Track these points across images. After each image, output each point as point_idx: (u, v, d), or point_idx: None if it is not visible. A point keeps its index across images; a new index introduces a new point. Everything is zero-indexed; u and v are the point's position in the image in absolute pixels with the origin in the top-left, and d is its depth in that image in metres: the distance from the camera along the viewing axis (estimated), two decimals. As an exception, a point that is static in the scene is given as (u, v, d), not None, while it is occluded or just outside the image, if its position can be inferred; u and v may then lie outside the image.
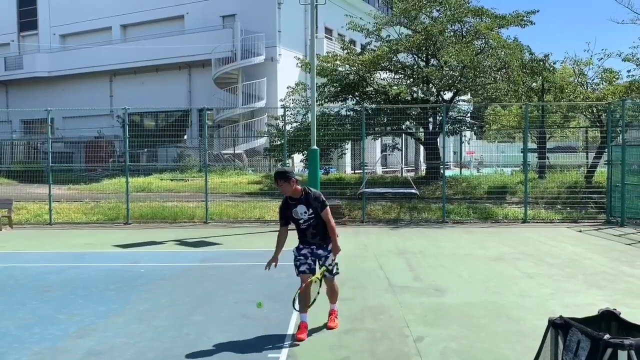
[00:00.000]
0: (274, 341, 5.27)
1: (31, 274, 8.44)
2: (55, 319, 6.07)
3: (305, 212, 5.43)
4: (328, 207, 5.50)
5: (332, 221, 5.50)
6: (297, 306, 5.28)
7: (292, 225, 5.60)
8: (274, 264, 5.51)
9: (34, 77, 35.11)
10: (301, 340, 5.26)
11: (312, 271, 5.51)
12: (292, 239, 5.63)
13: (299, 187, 5.45)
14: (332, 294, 5.74)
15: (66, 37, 36.17)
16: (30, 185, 18.57)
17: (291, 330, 5.58)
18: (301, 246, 5.57)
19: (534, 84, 19.28)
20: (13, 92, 36.99)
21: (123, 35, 34.22)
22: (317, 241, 5.51)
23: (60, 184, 19.27)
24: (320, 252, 5.53)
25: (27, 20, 37.37)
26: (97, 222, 15.07)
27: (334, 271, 5.60)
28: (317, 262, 5.56)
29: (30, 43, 36.81)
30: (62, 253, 10.60)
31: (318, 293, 5.43)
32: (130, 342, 5.31)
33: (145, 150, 23.82)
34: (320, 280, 5.47)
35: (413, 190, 14.00)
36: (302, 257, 5.52)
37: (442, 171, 16.42)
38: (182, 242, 11.66)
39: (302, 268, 5.49)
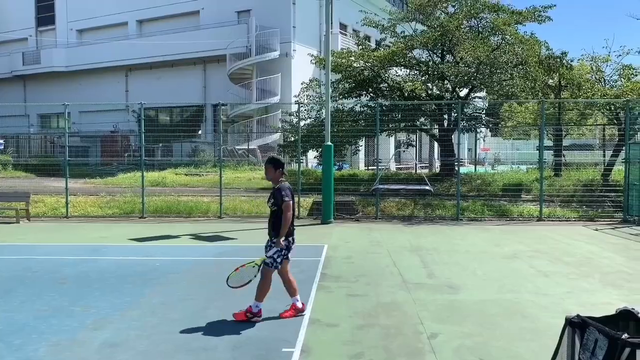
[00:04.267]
0: (288, 336, 5.28)
1: (48, 266, 8.56)
2: (72, 311, 6.15)
3: (269, 201, 5.83)
4: (288, 203, 5.65)
5: (288, 215, 5.63)
6: (230, 282, 5.59)
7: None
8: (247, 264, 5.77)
9: (51, 72, 35.51)
10: (235, 317, 5.66)
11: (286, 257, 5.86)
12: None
13: (280, 180, 5.81)
14: (287, 288, 5.90)
15: (83, 32, 36.52)
16: (47, 178, 18.79)
17: (305, 325, 5.60)
18: (270, 238, 5.85)
19: (551, 80, 19.08)
20: (30, 86, 37.44)
21: (139, 30, 34.45)
22: (270, 233, 5.81)
23: (77, 178, 19.48)
24: (269, 245, 5.82)
25: (45, 15, 37.78)
26: (112, 216, 15.23)
27: (267, 263, 5.71)
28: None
29: (48, 38, 37.21)
30: (78, 246, 10.71)
31: (255, 276, 5.62)
32: (144, 334, 5.36)
33: (160, 145, 23.97)
34: (259, 267, 5.64)
35: (427, 187, 13.96)
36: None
37: (456, 168, 16.34)
38: (196, 237, 11.74)
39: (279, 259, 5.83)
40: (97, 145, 26.39)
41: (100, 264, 8.81)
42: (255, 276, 5.60)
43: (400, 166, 27.97)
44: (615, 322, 3.04)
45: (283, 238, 5.62)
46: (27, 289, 7.13)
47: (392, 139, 25.94)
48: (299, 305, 5.89)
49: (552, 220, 14.24)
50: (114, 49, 32.97)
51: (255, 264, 5.61)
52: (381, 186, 14.80)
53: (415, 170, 23.91)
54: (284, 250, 5.69)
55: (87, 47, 35.05)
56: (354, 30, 32.19)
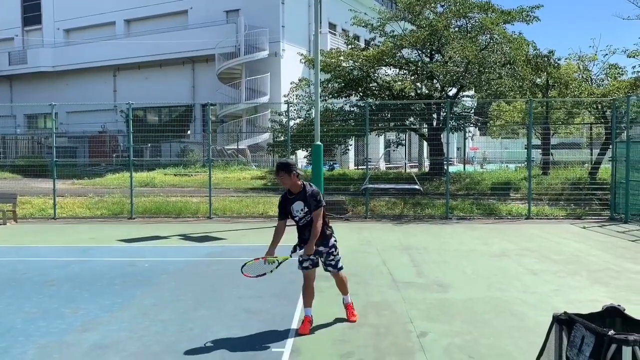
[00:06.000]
0: (278, 336, 5.29)
1: (36, 268, 8.48)
2: (61, 313, 6.10)
3: (302, 210, 5.33)
4: (321, 209, 5.33)
5: (319, 223, 5.30)
6: (244, 270, 5.19)
7: (290, 221, 5.56)
8: (268, 257, 5.35)
9: (37, 72, 35.17)
10: (303, 334, 5.29)
11: (315, 266, 5.51)
12: (291, 233, 5.63)
13: (300, 181, 5.35)
14: (341, 286, 5.71)
15: (70, 32, 36.21)
16: (34, 179, 18.65)
17: (295, 324, 5.60)
18: (302, 245, 5.43)
19: (539, 79, 19.23)
20: (17, 86, 37.08)
21: (127, 30, 34.22)
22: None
23: (64, 179, 19.33)
24: (321, 248, 5.46)
25: (31, 14, 37.41)
26: (101, 217, 15.13)
27: (338, 266, 5.62)
28: (319, 259, 5.55)
29: (34, 38, 36.85)
30: (67, 247, 10.64)
31: (271, 272, 5.26)
32: (135, 336, 5.34)
33: (149, 145, 23.84)
34: (279, 265, 5.30)
35: (416, 186, 14.01)
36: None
37: (445, 167, 16.40)
38: (186, 237, 11.70)
39: (305, 264, 5.47)
40: (85, 146, 26.18)
41: (90, 265, 8.75)
42: (271, 271, 5.25)
43: (390, 165, 28.05)
44: (601, 319, 3.08)
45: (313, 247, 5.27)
46: (14, 291, 7.07)
47: (381, 139, 26.01)
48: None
49: (541, 219, 14.35)
50: (102, 48, 32.73)
51: (277, 259, 5.27)
52: (371, 185, 14.83)
53: (405, 170, 23.97)
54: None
55: (75, 47, 34.76)
56: (343, 29, 32.22)
